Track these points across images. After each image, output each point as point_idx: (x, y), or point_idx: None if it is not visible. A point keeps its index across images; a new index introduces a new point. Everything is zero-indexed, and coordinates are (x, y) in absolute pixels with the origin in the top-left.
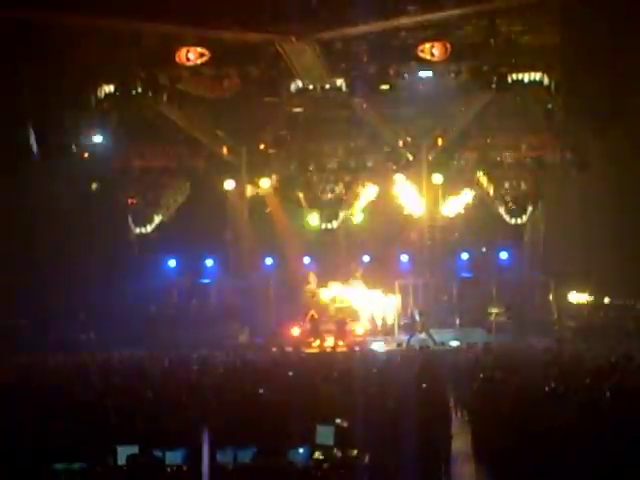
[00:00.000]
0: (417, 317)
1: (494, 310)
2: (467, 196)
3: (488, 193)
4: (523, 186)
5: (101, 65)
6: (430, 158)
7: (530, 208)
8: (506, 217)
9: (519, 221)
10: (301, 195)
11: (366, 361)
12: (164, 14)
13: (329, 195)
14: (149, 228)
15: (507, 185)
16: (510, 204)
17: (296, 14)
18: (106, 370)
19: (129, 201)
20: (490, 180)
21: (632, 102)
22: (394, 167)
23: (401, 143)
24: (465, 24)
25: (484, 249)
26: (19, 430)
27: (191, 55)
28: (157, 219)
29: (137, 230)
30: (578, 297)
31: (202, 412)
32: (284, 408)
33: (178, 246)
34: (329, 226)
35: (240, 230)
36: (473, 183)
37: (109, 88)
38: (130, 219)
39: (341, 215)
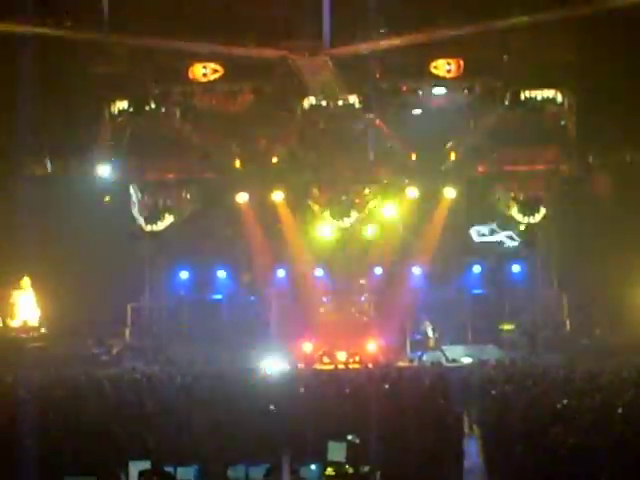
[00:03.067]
0: (430, 333)
1: (506, 326)
2: None
3: (498, 199)
4: (536, 191)
5: (115, 81)
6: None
7: (543, 209)
8: (518, 217)
9: (531, 220)
10: (314, 206)
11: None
12: (178, 30)
13: (342, 197)
14: (160, 225)
15: (520, 192)
16: (522, 203)
17: (310, 30)
18: (118, 386)
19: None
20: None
21: None
22: (406, 181)
23: (414, 157)
24: (479, 41)
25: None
26: (32, 444)
27: (205, 71)
28: (169, 219)
29: (148, 227)
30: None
31: (214, 428)
32: (296, 424)
33: (190, 258)
34: (341, 224)
35: (253, 242)
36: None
37: (123, 104)
38: (142, 218)
39: (354, 215)
